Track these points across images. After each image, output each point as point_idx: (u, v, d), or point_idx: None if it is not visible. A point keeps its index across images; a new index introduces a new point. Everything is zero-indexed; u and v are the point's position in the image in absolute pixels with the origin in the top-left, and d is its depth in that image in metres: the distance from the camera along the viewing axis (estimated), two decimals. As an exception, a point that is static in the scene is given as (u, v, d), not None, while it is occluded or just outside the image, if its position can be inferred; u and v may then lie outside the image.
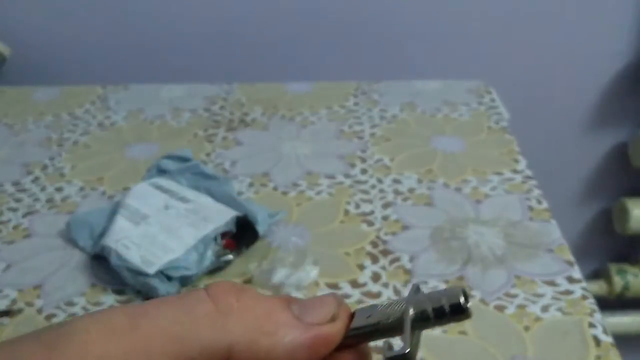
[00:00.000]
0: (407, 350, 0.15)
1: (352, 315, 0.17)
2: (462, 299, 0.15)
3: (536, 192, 0.61)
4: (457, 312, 0.15)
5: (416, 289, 0.17)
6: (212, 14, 1.10)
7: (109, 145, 0.73)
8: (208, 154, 0.70)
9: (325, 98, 0.82)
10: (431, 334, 0.45)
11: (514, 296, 0.48)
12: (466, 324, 0.46)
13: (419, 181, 0.63)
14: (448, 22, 1.11)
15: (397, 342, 0.15)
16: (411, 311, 0.16)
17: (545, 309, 0.47)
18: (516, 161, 0.66)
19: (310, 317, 0.15)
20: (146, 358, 0.13)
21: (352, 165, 0.67)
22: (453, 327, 0.46)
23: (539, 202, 0.59)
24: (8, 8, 1.08)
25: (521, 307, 0.47)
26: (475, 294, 0.49)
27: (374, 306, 0.17)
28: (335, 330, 0.16)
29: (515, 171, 0.64)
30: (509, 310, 0.47)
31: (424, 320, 0.15)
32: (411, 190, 0.62)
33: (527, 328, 0.45)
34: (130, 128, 0.77)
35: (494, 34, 1.12)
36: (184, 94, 0.85)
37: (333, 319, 0.16)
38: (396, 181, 0.63)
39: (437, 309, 0.15)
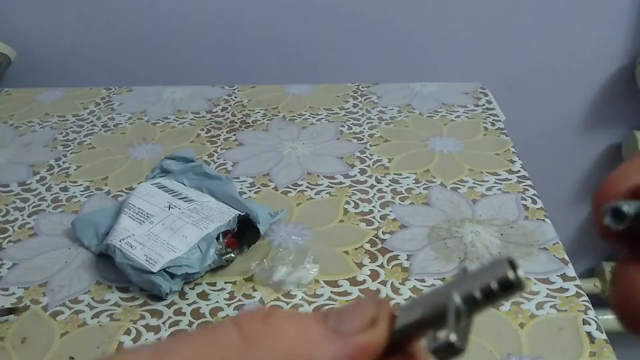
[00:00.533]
0: (451, 339, 0.13)
1: (395, 316, 0.15)
2: (509, 273, 0.13)
3: (531, 192, 0.62)
4: (507, 287, 0.13)
5: (463, 271, 0.14)
6: (215, 17, 1.11)
7: (113, 146, 0.74)
8: (210, 155, 0.71)
9: (325, 100, 0.83)
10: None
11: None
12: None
13: (417, 181, 0.64)
14: (445, 26, 1.12)
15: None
16: (457, 297, 0.14)
17: (540, 306, 0.48)
18: (512, 162, 0.67)
19: (347, 327, 0.14)
20: None
21: (351, 166, 0.68)
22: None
23: (534, 202, 0.60)
24: (14, 11, 1.10)
25: (516, 304, 0.48)
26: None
27: (416, 300, 0.15)
28: (377, 336, 0.14)
29: (510, 171, 0.65)
30: (504, 307, 0.48)
31: (472, 304, 0.13)
32: (409, 190, 0.63)
33: (522, 325, 0.46)
34: (134, 129, 0.78)
35: (491, 37, 1.13)
36: (187, 95, 0.86)
37: (373, 324, 0.14)
38: (394, 181, 0.65)
39: (485, 289, 0.13)
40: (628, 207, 0.13)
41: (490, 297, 0.13)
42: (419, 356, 0.14)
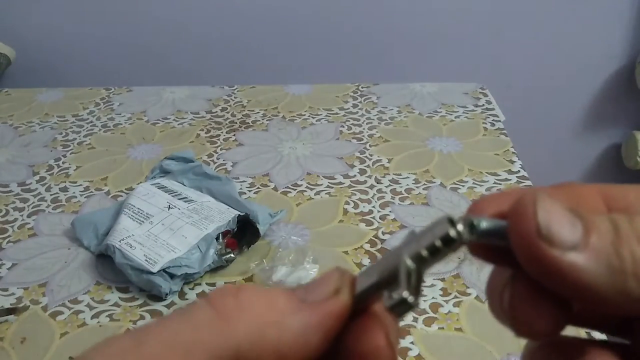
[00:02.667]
0: (404, 295, 0.14)
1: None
2: (451, 231, 0.14)
3: (531, 192, 0.62)
4: (449, 243, 0.14)
5: (411, 234, 0.16)
6: (214, 18, 1.11)
7: (113, 146, 0.74)
8: (210, 155, 0.71)
9: (324, 100, 0.83)
10: (428, 331, 0.46)
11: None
12: (463, 322, 0.47)
13: (417, 181, 0.64)
14: (445, 26, 1.12)
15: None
16: (406, 257, 0.15)
17: (539, 306, 0.48)
18: (511, 162, 0.67)
19: (314, 296, 0.15)
20: None
21: (351, 166, 0.68)
22: (450, 324, 0.47)
23: (534, 202, 0.60)
24: (14, 12, 1.10)
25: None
26: (471, 292, 0.50)
27: (371, 265, 0.16)
28: (341, 302, 0.15)
29: (510, 172, 0.65)
30: (503, 307, 0.48)
31: (421, 262, 0.15)
32: (409, 190, 0.63)
33: (521, 325, 0.46)
34: (133, 129, 0.78)
35: (490, 37, 1.13)
36: (187, 96, 0.86)
37: (337, 292, 0.15)
38: (394, 181, 0.65)
39: (430, 247, 0.14)
40: (478, 221, 0.15)
41: (436, 253, 0.15)
42: (379, 316, 0.15)
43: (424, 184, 0.64)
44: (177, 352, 0.13)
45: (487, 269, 0.56)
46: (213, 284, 0.52)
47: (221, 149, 0.72)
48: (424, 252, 0.15)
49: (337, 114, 0.80)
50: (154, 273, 0.49)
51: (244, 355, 0.14)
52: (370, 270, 0.16)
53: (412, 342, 0.45)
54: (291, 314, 0.15)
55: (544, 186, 0.17)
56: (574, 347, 0.16)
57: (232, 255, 0.53)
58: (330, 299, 0.15)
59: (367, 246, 0.55)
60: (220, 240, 0.53)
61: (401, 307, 0.14)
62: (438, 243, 0.14)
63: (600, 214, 0.14)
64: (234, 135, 0.75)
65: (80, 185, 0.66)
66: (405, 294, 0.14)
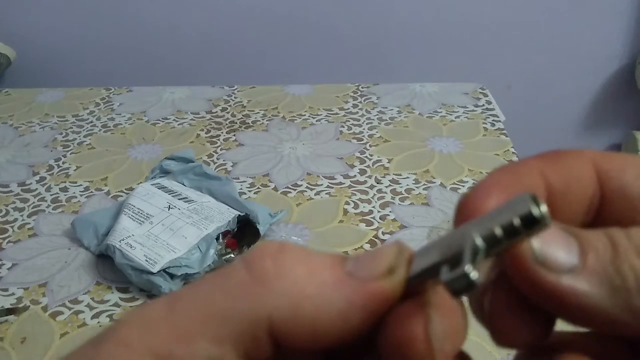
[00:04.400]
0: (467, 270, 0.12)
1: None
2: (533, 208, 0.12)
3: (531, 192, 0.62)
4: (530, 223, 0.12)
5: (482, 216, 0.13)
6: (215, 18, 1.11)
7: (113, 147, 0.74)
8: (210, 155, 0.71)
9: (324, 100, 0.83)
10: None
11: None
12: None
13: (417, 181, 0.64)
14: (445, 26, 1.12)
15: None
16: (476, 235, 0.13)
17: (539, 306, 0.48)
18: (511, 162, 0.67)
19: (363, 272, 0.13)
20: (186, 343, 0.12)
21: (351, 166, 0.68)
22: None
23: (534, 202, 0.60)
24: (14, 12, 1.10)
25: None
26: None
27: (432, 243, 0.14)
28: (392, 284, 0.13)
29: (511, 172, 0.65)
30: (503, 307, 0.48)
31: (492, 242, 0.12)
32: (409, 190, 0.63)
33: (521, 325, 0.46)
34: (133, 129, 0.78)
35: (490, 37, 1.13)
36: (187, 96, 0.86)
37: (390, 272, 0.13)
38: (394, 181, 0.65)
39: (506, 226, 0.12)
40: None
41: (512, 234, 0.13)
42: (429, 304, 0.13)
43: (424, 184, 0.64)
44: (209, 319, 0.13)
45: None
46: (213, 284, 0.52)
47: (221, 149, 0.72)
48: (498, 232, 0.12)
49: (337, 114, 0.80)
50: (154, 273, 0.49)
51: (277, 327, 0.13)
52: (430, 249, 0.14)
53: (412, 342, 0.45)
54: (333, 289, 0.13)
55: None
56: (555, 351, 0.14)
57: (232, 256, 0.53)
58: (382, 278, 0.13)
59: (367, 246, 0.55)
60: (221, 240, 0.53)
61: (461, 283, 0.12)
62: (517, 222, 0.12)
63: (595, 231, 0.13)
64: (234, 135, 0.75)
65: (81, 185, 0.66)
66: (468, 268, 0.12)
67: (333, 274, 0.13)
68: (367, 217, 0.59)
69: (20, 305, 0.50)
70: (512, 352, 0.44)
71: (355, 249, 0.55)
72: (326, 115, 0.79)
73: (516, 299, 0.14)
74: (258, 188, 0.65)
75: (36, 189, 0.66)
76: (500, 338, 0.14)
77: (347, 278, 0.13)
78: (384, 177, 0.66)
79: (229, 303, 0.13)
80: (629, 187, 0.15)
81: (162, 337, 0.12)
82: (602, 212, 0.15)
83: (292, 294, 0.13)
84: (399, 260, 0.13)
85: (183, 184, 0.61)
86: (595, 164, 0.15)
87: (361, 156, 0.70)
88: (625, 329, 0.13)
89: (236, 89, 0.88)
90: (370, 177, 0.66)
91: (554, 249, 0.13)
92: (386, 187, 0.64)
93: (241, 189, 0.64)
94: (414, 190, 0.63)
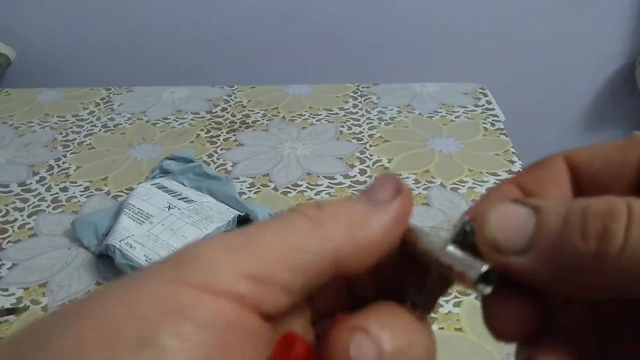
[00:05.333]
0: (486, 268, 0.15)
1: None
2: (466, 226, 0.16)
3: (531, 192, 0.62)
4: (465, 234, 0.16)
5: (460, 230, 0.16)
6: (215, 18, 1.11)
7: (113, 146, 0.74)
8: (210, 155, 0.71)
9: (324, 100, 0.83)
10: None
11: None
12: (463, 322, 0.47)
13: (417, 181, 0.64)
14: (445, 26, 1.12)
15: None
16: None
17: (539, 306, 0.48)
18: (512, 162, 0.67)
19: (380, 196, 0.16)
20: (268, 270, 0.14)
21: (351, 166, 0.68)
22: (449, 324, 0.47)
23: (534, 202, 0.60)
24: (14, 12, 1.10)
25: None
26: (471, 292, 0.50)
27: (435, 232, 0.17)
28: (406, 201, 0.16)
29: (510, 172, 0.65)
30: (503, 307, 0.48)
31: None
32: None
33: (521, 325, 0.46)
34: (133, 129, 0.78)
35: (490, 37, 1.13)
36: (187, 96, 0.86)
37: (398, 192, 0.16)
38: (394, 182, 0.65)
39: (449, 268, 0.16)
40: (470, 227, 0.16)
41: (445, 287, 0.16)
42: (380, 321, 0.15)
43: (424, 184, 0.64)
44: (286, 252, 0.14)
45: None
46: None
47: (221, 149, 0.72)
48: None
49: (337, 114, 0.80)
50: (154, 273, 0.49)
51: (343, 258, 0.15)
52: (435, 237, 0.16)
53: (412, 342, 0.45)
54: (370, 216, 0.15)
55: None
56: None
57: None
58: (396, 198, 0.16)
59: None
60: (220, 240, 0.53)
61: (488, 279, 0.15)
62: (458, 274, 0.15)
63: (557, 204, 0.15)
64: (234, 135, 0.75)
65: (80, 185, 0.66)
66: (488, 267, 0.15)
67: (363, 206, 0.16)
68: (367, 217, 0.59)
69: (20, 305, 0.50)
70: (512, 352, 0.44)
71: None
72: (326, 115, 0.79)
73: (504, 289, 0.16)
74: (258, 188, 0.65)
75: (36, 189, 0.66)
76: (494, 329, 0.16)
77: (373, 205, 0.16)
78: (384, 177, 0.65)
79: (300, 240, 0.15)
80: (598, 176, 0.17)
81: (247, 262, 0.14)
82: (585, 194, 0.17)
83: (347, 227, 0.15)
84: (399, 183, 0.16)
85: (183, 184, 0.62)
86: (567, 161, 0.17)
87: (361, 156, 0.70)
88: (575, 294, 0.15)
89: (236, 89, 0.88)
90: (370, 177, 0.66)
91: (506, 232, 0.15)
92: (386, 187, 0.64)
93: (241, 189, 0.64)
94: (414, 190, 0.63)
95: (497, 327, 0.16)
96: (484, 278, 0.15)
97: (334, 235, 0.15)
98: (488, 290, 0.15)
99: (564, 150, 0.18)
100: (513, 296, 0.16)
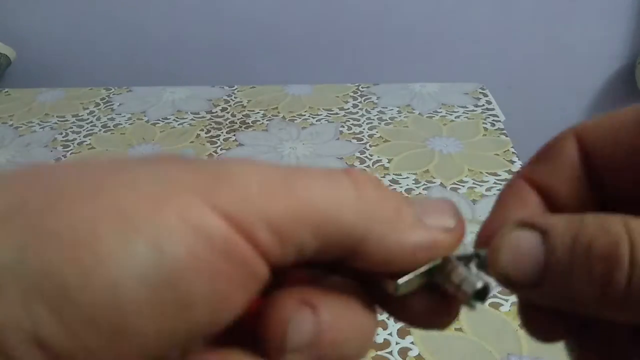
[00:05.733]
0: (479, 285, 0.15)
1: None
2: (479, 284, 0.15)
3: (531, 192, 0.62)
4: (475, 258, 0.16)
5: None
6: (214, 18, 1.11)
7: (113, 147, 0.74)
8: (210, 155, 0.71)
9: (324, 100, 0.83)
10: (428, 331, 0.46)
11: (509, 294, 0.49)
12: (463, 322, 0.47)
13: (417, 182, 0.64)
14: (445, 26, 1.12)
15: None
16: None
17: (539, 306, 0.48)
18: (511, 162, 0.67)
19: (431, 220, 0.15)
20: (295, 224, 0.13)
21: (351, 166, 0.68)
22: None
23: (534, 202, 0.60)
24: (14, 12, 1.10)
25: (516, 305, 0.48)
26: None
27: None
28: (452, 240, 0.15)
29: (510, 172, 0.66)
30: (504, 307, 0.48)
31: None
32: (409, 190, 0.63)
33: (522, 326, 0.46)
34: (133, 129, 0.78)
35: (491, 37, 1.13)
36: (187, 96, 0.86)
37: (448, 230, 0.15)
38: (394, 182, 0.65)
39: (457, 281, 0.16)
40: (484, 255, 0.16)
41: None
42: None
43: (424, 184, 0.64)
44: (318, 213, 0.13)
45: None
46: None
47: (221, 149, 0.72)
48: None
49: (337, 114, 0.80)
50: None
51: (366, 246, 0.14)
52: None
53: (412, 342, 0.46)
54: (411, 228, 0.15)
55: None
56: None
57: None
58: (445, 232, 0.15)
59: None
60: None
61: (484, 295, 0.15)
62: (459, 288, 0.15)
63: (567, 222, 0.15)
64: (234, 135, 0.75)
65: (81, 185, 0.66)
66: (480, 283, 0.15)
67: (411, 214, 0.15)
68: (367, 217, 0.59)
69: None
70: (512, 352, 0.44)
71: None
72: (326, 115, 0.79)
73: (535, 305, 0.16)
74: (258, 188, 0.65)
75: (36, 189, 0.66)
76: (529, 328, 0.16)
77: (420, 221, 0.15)
78: (384, 177, 0.66)
79: (338, 208, 0.14)
80: (610, 160, 0.17)
81: (278, 210, 0.13)
82: (601, 180, 0.17)
83: (385, 222, 0.14)
84: (458, 223, 0.15)
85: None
86: (577, 140, 0.17)
87: (361, 156, 0.70)
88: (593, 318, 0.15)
89: (236, 89, 0.88)
90: (370, 177, 0.66)
91: (517, 268, 0.15)
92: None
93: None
94: (414, 190, 0.63)
95: (533, 332, 0.16)
96: (479, 295, 0.15)
97: (370, 221, 0.14)
98: (479, 306, 0.15)
99: (574, 128, 0.17)
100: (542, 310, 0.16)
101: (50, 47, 1.13)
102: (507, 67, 1.16)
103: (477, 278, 0.15)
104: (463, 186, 0.63)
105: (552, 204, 0.17)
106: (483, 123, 0.76)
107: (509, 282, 0.15)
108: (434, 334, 0.46)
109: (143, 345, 0.11)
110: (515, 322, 0.47)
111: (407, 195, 0.62)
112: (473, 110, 0.79)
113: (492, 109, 0.79)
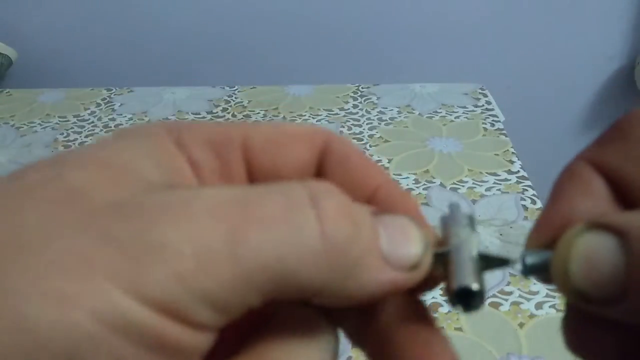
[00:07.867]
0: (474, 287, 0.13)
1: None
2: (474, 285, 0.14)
3: (531, 192, 0.62)
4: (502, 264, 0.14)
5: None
6: (216, 18, 1.12)
7: (114, 147, 0.74)
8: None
9: (325, 100, 0.83)
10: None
11: (509, 294, 0.50)
12: (463, 322, 0.47)
13: (417, 181, 0.65)
14: (445, 26, 1.12)
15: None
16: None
17: (539, 306, 0.48)
18: (511, 162, 0.68)
19: (398, 252, 0.13)
20: (241, 292, 0.11)
21: (352, 167, 0.68)
22: (449, 324, 0.47)
23: (534, 202, 0.61)
24: (15, 12, 1.10)
25: (516, 304, 0.48)
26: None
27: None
28: (413, 281, 0.13)
29: (510, 172, 0.66)
30: (503, 307, 0.48)
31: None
32: (408, 190, 0.63)
33: (521, 325, 0.47)
34: (134, 130, 0.78)
35: (491, 37, 1.13)
36: (188, 96, 0.86)
37: (414, 267, 0.13)
38: (394, 182, 0.65)
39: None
40: (531, 258, 0.14)
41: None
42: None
43: (424, 184, 0.64)
44: (270, 280, 0.12)
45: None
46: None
47: (222, 150, 0.73)
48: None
49: (337, 114, 0.80)
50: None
51: (323, 297, 0.13)
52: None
53: (412, 342, 0.46)
54: (372, 271, 0.13)
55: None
56: None
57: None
58: (407, 272, 0.13)
59: (367, 246, 0.55)
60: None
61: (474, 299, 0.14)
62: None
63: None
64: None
65: (82, 185, 0.66)
66: (475, 285, 0.14)
67: (376, 254, 0.13)
68: (368, 217, 0.59)
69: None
70: (512, 352, 0.44)
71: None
72: (326, 116, 0.80)
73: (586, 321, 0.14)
74: (259, 188, 0.65)
75: (38, 189, 0.66)
76: (572, 348, 0.14)
77: (383, 262, 0.13)
78: (384, 177, 0.66)
79: (295, 266, 0.12)
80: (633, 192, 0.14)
81: (221, 280, 0.11)
82: None
83: (347, 269, 0.13)
84: (425, 256, 0.14)
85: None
86: (590, 161, 0.15)
87: (361, 156, 0.70)
88: None
89: (237, 89, 0.88)
90: (370, 177, 0.66)
91: (594, 281, 0.12)
92: (386, 187, 0.64)
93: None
94: (414, 190, 0.63)
95: (578, 352, 0.14)
96: (464, 296, 0.14)
97: (332, 273, 0.12)
98: (460, 310, 0.14)
99: (585, 156, 0.15)
100: (596, 326, 0.13)
101: (51, 48, 1.13)
102: (507, 67, 1.16)
103: (472, 278, 0.14)
104: (463, 186, 0.64)
105: (623, 193, 0.14)
106: (483, 123, 0.76)
107: (584, 299, 0.12)
108: (434, 333, 0.46)
109: None
110: (514, 322, 0.47)
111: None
112: (473, 111, 0.79)
113: (492, 109, 0.79)
